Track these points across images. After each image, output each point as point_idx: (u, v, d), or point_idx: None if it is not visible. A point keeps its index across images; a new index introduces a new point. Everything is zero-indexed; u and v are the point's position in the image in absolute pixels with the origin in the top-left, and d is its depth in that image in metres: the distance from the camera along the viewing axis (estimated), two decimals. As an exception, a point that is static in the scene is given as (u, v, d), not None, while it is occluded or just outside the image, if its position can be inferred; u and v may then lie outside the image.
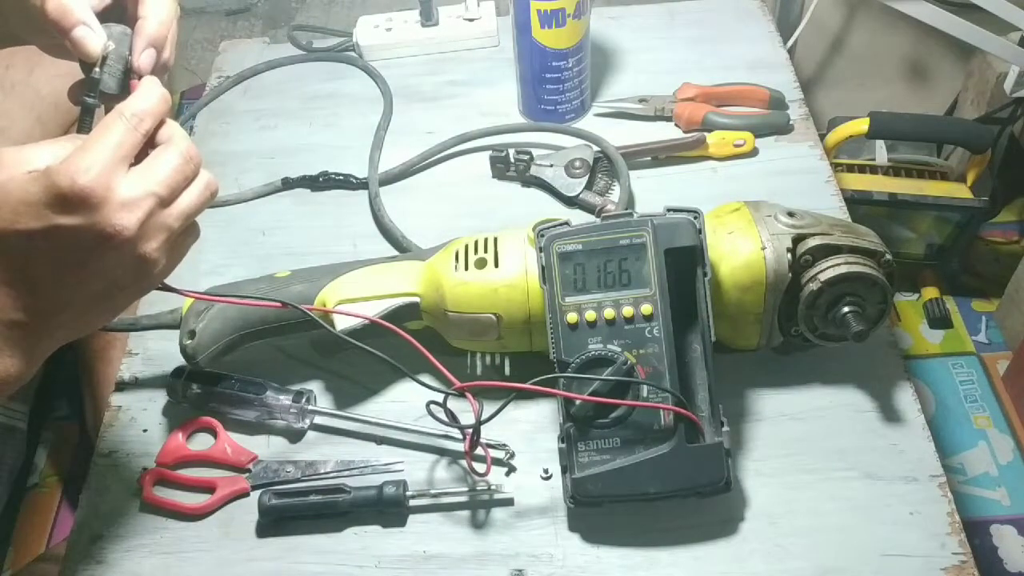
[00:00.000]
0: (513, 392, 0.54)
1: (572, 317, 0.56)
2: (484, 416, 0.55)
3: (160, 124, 0.47)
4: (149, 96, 0.47)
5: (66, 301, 0.46)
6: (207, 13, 1.42)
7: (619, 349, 0.55)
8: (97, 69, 0.50)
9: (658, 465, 0.54)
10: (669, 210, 0.58)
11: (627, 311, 0.55)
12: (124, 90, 0.51)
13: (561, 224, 0.58)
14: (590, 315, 0.56)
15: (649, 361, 0.55)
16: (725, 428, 0.55)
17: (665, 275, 0.56)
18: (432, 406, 0.57)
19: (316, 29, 1.04)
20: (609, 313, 0.56)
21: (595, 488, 0.54)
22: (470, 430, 0.56)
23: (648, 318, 0.55)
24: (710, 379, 0.56)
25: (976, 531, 1.12)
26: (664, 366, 0.55)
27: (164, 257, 0.47)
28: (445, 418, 0.57)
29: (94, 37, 0.48)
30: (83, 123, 0.51)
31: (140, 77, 0.51)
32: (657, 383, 0.54)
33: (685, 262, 0.57)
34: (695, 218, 0.57)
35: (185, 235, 0.49)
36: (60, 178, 0.42)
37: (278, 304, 0.59)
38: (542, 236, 0.58)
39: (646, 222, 0.56)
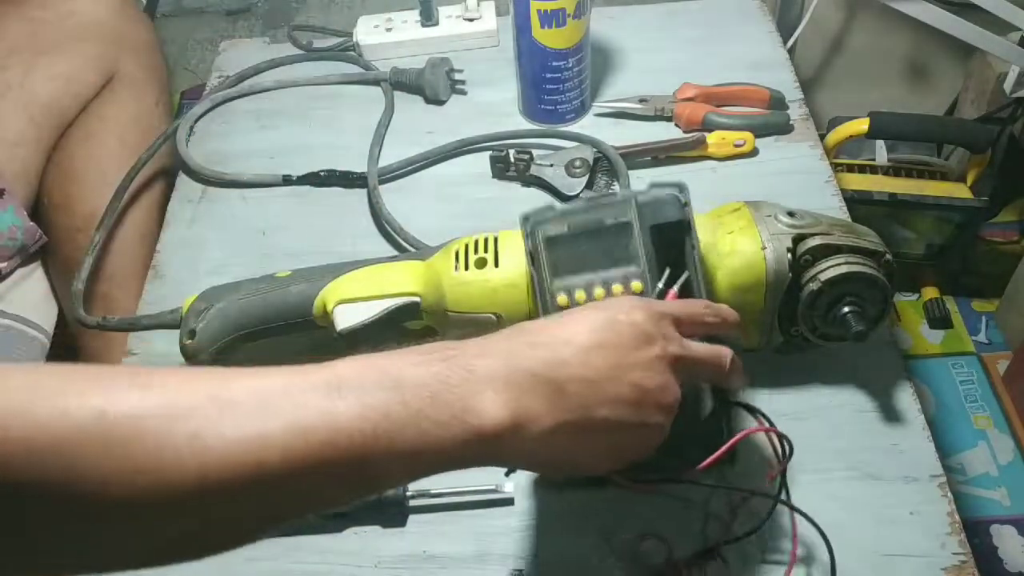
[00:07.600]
0: None
1: (562, 299, 0.55)
2: None
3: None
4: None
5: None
6: (207, 13, 1.42)
7: None
8: None
9: None
10: (653, 185, 0.57)
11: (617, 289, 0.55)
12: None
13: (545, 208, 0.58)
14: (580, 296, 0.55)
15: None
16: None
17: (653, 252, 0.55)
18: None
19: (316, 29, 1.04)
20: (599, 293, 0.55)
21: None
22: None
23: (639, 295, 0.55)
24: None
25: (976, 531, 1.12)
26: None
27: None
28: None
29: None
30: None
31: None
32: None
33: (674, 236, 0.56)
34: (680, 191, 0.57)
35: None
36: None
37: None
38: (527, 220, 0.57)
39: (630, 200, 0.56)
